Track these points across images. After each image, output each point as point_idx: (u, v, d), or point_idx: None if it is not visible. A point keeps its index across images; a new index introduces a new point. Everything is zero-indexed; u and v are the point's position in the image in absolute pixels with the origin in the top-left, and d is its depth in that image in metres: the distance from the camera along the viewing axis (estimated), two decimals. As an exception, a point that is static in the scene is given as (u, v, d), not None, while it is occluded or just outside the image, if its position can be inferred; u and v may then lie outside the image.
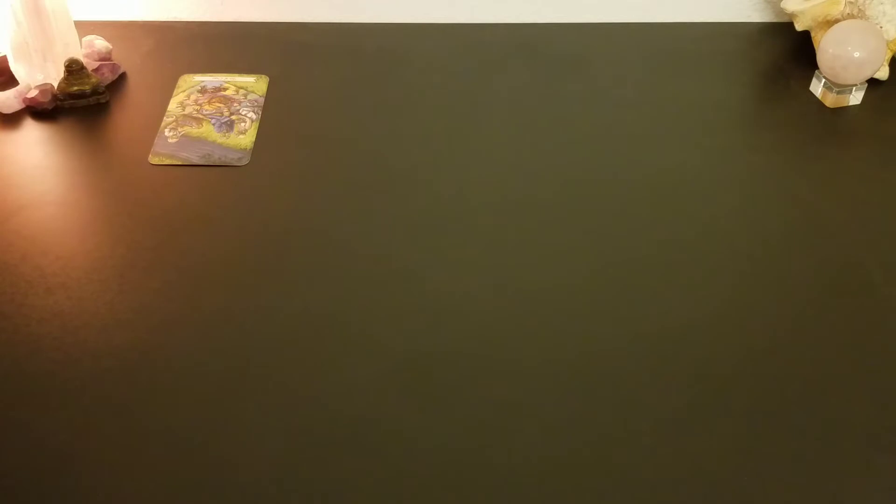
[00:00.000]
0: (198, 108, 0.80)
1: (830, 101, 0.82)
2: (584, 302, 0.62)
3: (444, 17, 0.93)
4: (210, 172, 0.73)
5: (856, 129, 0.80)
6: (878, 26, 0.82)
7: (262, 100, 0.82)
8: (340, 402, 0.55)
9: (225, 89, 0.83)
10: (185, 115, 0.79)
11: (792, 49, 0.90)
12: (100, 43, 0.85)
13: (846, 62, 0.78)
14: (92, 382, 0.56)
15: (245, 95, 0.82)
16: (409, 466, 0.52)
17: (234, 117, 0.79)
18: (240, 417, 0.54)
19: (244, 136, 0.77)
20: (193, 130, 0.77)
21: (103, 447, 0.53)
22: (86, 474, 0.51)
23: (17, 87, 0.79)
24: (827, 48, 0.80)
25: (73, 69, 0.78)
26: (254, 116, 0.79)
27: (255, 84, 0.83)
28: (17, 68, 0.80)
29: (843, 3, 0.83)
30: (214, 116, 0.79)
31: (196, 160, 0.74)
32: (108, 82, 0.83)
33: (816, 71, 0.82)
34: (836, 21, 0.83)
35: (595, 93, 0.83)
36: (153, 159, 0.75)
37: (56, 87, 0.79)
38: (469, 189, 0.72)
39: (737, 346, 0.59)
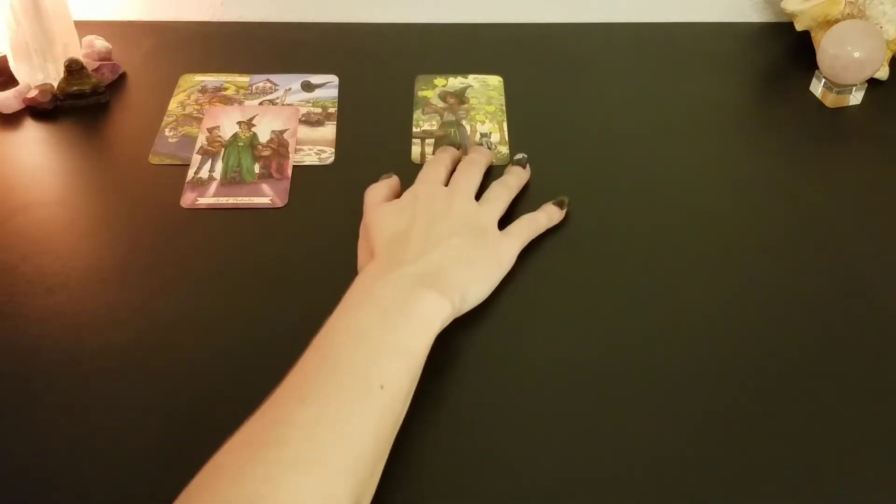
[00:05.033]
0: (198, 107, 0.80)
1: (830, 101, 0.82)
2: (580, 300, 0.62)
3: (444, 17, 0.93)
4: (210, 172, 0.73)
5: (856, 129, 0.80)
6: (878, 26, 0.82)
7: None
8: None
9: (225, 89, 0.83)
10: (185, 115, 0.79)
11: (792, 49, 0.90)
12: (100, 43, 0.85)
13: (846, 62, 0.78)
14: (92, 382, 0.56)
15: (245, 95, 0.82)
16: (416, 464, 0.52)
17: (234, 117, 0.79)
18: (242, 417, 0.54)
19: (244, 136, 0.77)
20: (194, 130, 0.77)
21: (104, 447, 0.53)
22: (86, 474, 0.51)
23: (17, 87, 0.79)
24: (827, 48, 0.80)
25: (73, 69, 0.78)
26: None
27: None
28: (16, 68, 0.80)
29: (843, 3, 0.83)
30: (214, 116, 0.79)
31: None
32: (108, 82, 0.83)
33: (816, 71, 0.82)
34: (836, 21, 0.83)
35: (594, 92, 0.83)
36: (153, 159, 0.75)
37: (56, 87, 0.79)
38: (469, 189, 0.72)
39: (734, 347, 0.59)
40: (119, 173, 0.73)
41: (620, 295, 0.63)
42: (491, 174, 0.71)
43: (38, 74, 0.80)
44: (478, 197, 0.66)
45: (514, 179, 0.69)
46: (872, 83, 0.84)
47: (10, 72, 0.81)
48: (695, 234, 0.68)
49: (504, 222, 0.66)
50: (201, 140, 0.76)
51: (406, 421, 0.51)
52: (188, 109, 0.80)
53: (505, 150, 0.76)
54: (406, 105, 0.81)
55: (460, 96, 0.82)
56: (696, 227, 0.69)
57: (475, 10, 0.93)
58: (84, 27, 0.86)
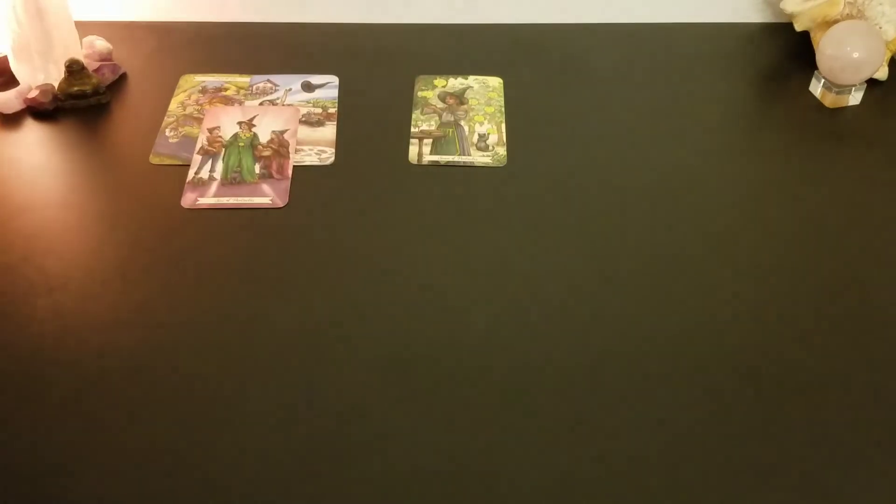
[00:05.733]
0: (198, 108, 0.80)
1: (830, 101, 0.82)
2: (581, 303, 0.62)
3: (444, 18, 0.93)
4: (210, 173, 0.73)
5: (855, 129, 0.80)
6: (877, 27, 0.83)
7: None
8: (342, 400, 0.55)
9: (226, 89, 0.83)
10: (185, 115, 0.79)
11: (792, 49, 0.90)
12: (100, 43, 0.85)
13: (845, 63, 0.79)
14: (93, 382, 0.56)
15: (246, 96, 0.82)
16: (415, 470, 0.52)
17: (234, 117, 0.79)
18: (241, 416, 0.54)
19: (245, 137, 0.77)
20: (194, 130, 0.78)
21: (105, 447, 0.53)
22: (87, 474, 0.51)
23: (18, 88, 0.79)
24: (826, 49, 0.80)
25: (74, 69, 0.78)
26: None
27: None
28: (18, 69, 0.81)
29: (842, 3, 0.83)
30: (215, 117, 0.79)
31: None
32: (109, 82, 0.83)
33: (816, 71, 0.83)
34: (835, 22, 0.83)
35: (594, 93, 0.83)
36: (154, 159, 0.75)
37: (57, 88, 0.79)
38: (466, 188, 0.72)
39: (735, 347, 0.59)
40: (120, 173, 0.73)
41: (620, 295, 0.63)
42: (486, 176, 0.71)
43: (39, 75, 0.80)
44: None
45: None
46: (872, 83, 0.84)
47: (11, 72, 0.82)
48: (695, 234, 0.68)
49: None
50: (202, 140, 0.76)
51: (403, 422, 0.52)
52: (189, 110, 0.80)
53: (503, 150, 0.76)
54: (406, 105, 0.81)
55: (460, 97, 0.82)
56: (696, 226, 0.69)
57: (475, 11, 0.93)
58: (85, 28, 0.86)
